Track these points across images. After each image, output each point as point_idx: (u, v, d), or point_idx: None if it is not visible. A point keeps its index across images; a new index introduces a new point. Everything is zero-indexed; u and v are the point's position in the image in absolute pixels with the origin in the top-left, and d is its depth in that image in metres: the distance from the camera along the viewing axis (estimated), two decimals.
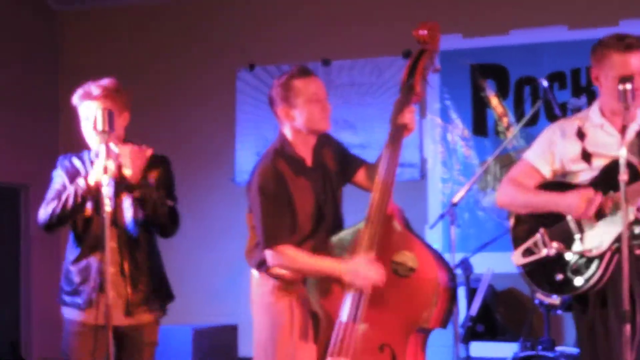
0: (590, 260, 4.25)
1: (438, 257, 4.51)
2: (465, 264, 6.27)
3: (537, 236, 4.40)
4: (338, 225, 4.73)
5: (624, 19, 6.74)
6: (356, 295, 4.42)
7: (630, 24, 6.68)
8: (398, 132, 4.52)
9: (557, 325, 6.85)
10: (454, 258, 6.11)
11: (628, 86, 3.98)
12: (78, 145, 5.23)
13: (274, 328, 4.65)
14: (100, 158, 4.54)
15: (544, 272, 4.42)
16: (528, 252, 4.42)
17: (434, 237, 6.84)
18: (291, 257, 4.54)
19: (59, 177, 4.89)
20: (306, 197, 4.64)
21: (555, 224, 4.35)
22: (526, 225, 4.51)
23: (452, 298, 4.54)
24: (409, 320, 4.41)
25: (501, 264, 6.29)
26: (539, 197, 4.44)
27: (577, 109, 6.62)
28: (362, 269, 4.39)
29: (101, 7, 8.04)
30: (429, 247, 4.54)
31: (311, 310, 4.62)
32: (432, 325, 4.41)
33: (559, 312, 6.30)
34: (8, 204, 7.42)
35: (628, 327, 3.82)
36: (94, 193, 4.64)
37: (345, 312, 4.42)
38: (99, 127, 4.41)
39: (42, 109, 7.79)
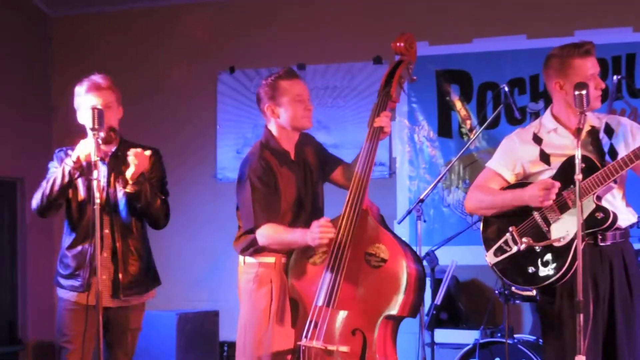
0: (559, 252, 4.30)
1: (409, 250, 4.55)
2: (430, 257, 6.31)
3: (507, 235, 4.40)
4: (316, 217, 4.69)
5: (578, 29, 6.78)
6: (330, 276, 4.49)
7: (584, 34, 6.50)
8: (375, 134, 4.62)
9: (515, 314, 6.84)
10: (420, 251, 6.11)
11: (583, 92, 4.00)
12: (70, 140, 5.18)
13: (253, 312, 4.68)
14: (88, 139, 4.56)
15: (516, 267, 4.44)
16: (500, 250, 4.43)
17: (402, 231, 6.80)
18: (274, 231, 4.58)
19: (54, 167, 4.93)
20: (289, 186, 4.69)
21: (523, 222, 4.39)
22: (495, 226, 4.54)
23: (421, 288, 4.57)
24: (379, 307, 4.43)
25: (464, 257, 6.62)
26: (503, 196, 4.48)
27: (536, 113, 6.75)
28: (311, 229, 4.42)
29: (90, 13, 8.01)
30: (400, 240, 4.57)
31: (291, 297, 4.66)
32: (401, 313, 4.44)
33: (517, 301, 6.28)
34: (5, 196, 7.39)
35: (581, 317, 3.83)
36: (80, 169, 4.68)
37: (320, 297, 4.48)
38: (91, 124, 4.43)
39: (36, 107, 7.75)
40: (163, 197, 5.08)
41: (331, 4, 7.53)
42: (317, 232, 4.41)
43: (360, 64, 7.31)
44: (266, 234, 4.61)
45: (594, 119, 4.47)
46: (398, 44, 4.71)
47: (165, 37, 7.93)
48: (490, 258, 4.52)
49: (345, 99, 7.29)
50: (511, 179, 4.57)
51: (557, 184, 4.25)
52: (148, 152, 4.80)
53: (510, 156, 4.58)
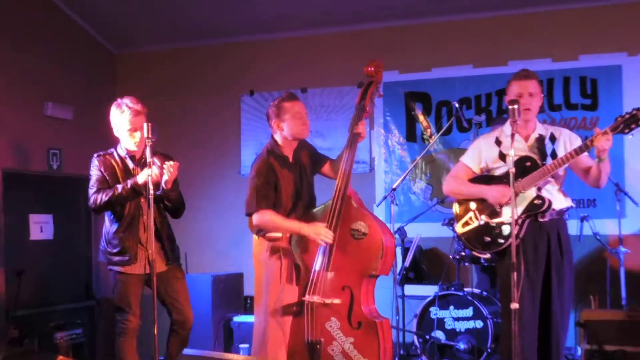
0: (507, 227, 4.38)
1: (383, 226, 4.60)
2: (401, 231, 6.34)
3: (471, 213, 4.54)
4: (311, 204, 4.81)
5: (511, 60, 6.75)
6: (324, 249, 4.52)
7: (515, 64, 6.56)
8: (354, 138, 4.64)
9: (464, 273, 6.79)
10: (393, 227, 6.06)
11: (514, 106, 4.05)
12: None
13: (268, 275, 4.72)
14: (147, 166, 4.47)
15: (477, 237, 4.54)
16: (466, 224, 4.56)
17: (380, 212, 6.80)
18: (269, 217, 4.60)
19: (95, 170, 4.89)
20: (288, 183, 4.71)
21: (483, 204, 4.50)
22: (463, 206, 4.62)
23: (393, 254, 4.65)
24: (362, 269, 4.49)
25: (426, 231, 6.65)
26: (472, 189, 4.55)
27: (478, 123, 6.74)
28: (318, 230, 4.49)
29: (144, 51, 7.98)
30: (377, 219, 4.63)
31: (295, 263, 4.69)
32: (379, 272, 4.52)
33: (466, 263, 6.31)
34: (83, 189, 7.29)
35: (515, 275, 3.86)
36: (141, 189, 4.64)
37: (318, 263, 4.53)
38: (148, 134, 4.43)
39: (105, 124, 7.68)
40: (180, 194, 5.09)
41: (326, 43, 7.46)
42: (321, 237, 4.48)
43: (347, 88, 7.29)
44: (262, 217, 4.64)
45: (541, 129, 4.56)
46: (369, 68, 4.75)
47: (202, 68, 7.87)
48: (458, 229, 4.63)
49: (337, 114, 7.27)
50: (477, 171, 4.64)
51: (509, 191, 4.22)
52: (177, 165, 4.75)
53: (477, 154, 4.65)
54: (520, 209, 4.36)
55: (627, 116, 4.18)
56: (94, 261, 7.36)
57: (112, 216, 4.89)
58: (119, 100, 4.91)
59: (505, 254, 4.44)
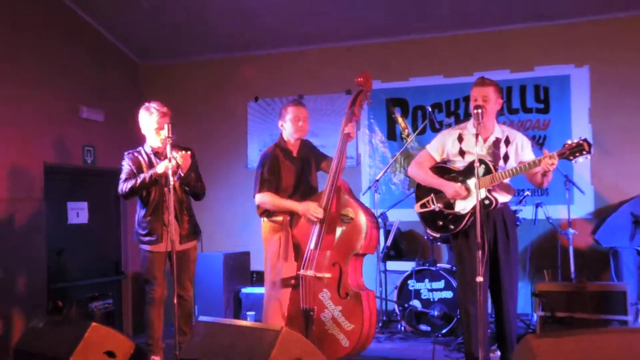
0: (457, 216, 4.43)
1: (368, 211, 4.65)
2: (383, 216, 6.37)
3: (429, 197, 4.54)
4: (310, 192, 4.83)
5: (476, 71, 6.59)
6: (317, 230, 4.55)
7: (480, 74, 6.15)
8: (344, 138, 4.70)
9: (437, 251, 6.80)
10: (376, 212, 6.16)
11: (478, 110, 4.10)
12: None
13: (270, 253, 4.80)
14: (166, 156, 4.51)
15: (432, 219, 4.57)
16: (423, 206, 4.56)
17: (365, 199, 6.75)
18: (268, 198, 4.69)
19: (126, 164, 4.97)
20: (289, 172, 4.79)
21: (440, 193, 4.50)
22: (423, 190, 4.61)
23: (376, 235, 4.70)
24: (349, 248, 4.54)
25: (404, 216, 6.66)
26: (431, 180, 4.53)
27: (448, 124, 6.74)
28: (309, 207, 4.57)
29: (165, 63, 7.93)
30: (362, 205, 4.67)
31: (293, 242, 4.73)
32: (364, 251, 4.58)
33: (439, 243, 6.34)
34: (114, 180, 7.25)
35: (479, 253, 3.91)
36: (159, 177, 4.73)
37: (312, 242, 4.58)
38: (168, 134, 4.47)
39: (132, 125, 7.56)
40: (201, 180, 5.09)
41: (319, 57, 7.43)
42: (311, 212, 4.55)
43: (337, 95, 7.27)
44: (263, 198, 4.73)
45: (499, 132, 4.54)
46: (359, 79, 4.83)
47: (215, 78, 7.83)
48: (417, 208, 4.63)
49: (328, 117, 7.23)
50: (439, 160, 4.62)
51: (464, 190, 4.35)
52: (189, 152, 4.77)
53: (440, 145, 4.63)
54: (470, 205, 4.37)
55: (574, 144, 4.14)
56: (123, 241, 7.40)
57: (140, 203, 4.96)
58: (147, 104, 4.98)
59: (457, 236, 4.49)
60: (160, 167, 4.71)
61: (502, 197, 4.45)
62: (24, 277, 6.12)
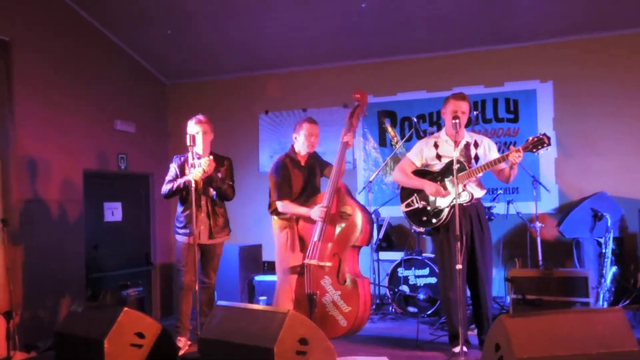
0: (438, 211, 4.41)
1: (363, 209, 4.64)
2: (376, 212, 6.35)
3: (413, 197, 4.55)
4: (314, 194, 4.80)
5: (455, 86, 6.65)
6: (320, 225, 4.53)
7: (458, 89, 6.23)
8: (344, 146, 4.67)
9: (422, 242, 6.79)
10: (370, 209, 6.10)
11: (456, 120, 4.14)
12: (178, 151, 5.31)
13: (279, 245, 4.79)
14: (196, 165, 4.54)
15: (416, 216, 4.55)
16: (408, 205, 4.57)
17: (360, 198, 6.79)
18: (289, 206, 4.67)
19: (172, 167, 4.95)
20: (298, 179, 4.78)
21: (421, 192, 4.50)
22: (407, 191, 4.61)
23: (370, 230, 4.67)
24: (348, 241, 4.53)
25: (394, 212, 6.58)
26: (413, 181, 4.54)
27: (432, 133, 6.74)
28: (314, 212, 4.55)
29: (188, 82, 7.91)
30: (359, 203, 4.66)
31: (299, 236, 4.73)
32: (360, 243, 4.55)
33: (424, 235, 6.35)
34: (143, 183, 7.33)
35: (458, 244, 3.95)
36: (190, 182, 4.63)
37: (315, 235, 4.56)
38: (189, 143, 4.49)
39: (160, 133, 7.65)
40: (231, 184, 5.04)
41: (320, 75, 7.41)
42: (317, 215, 4.55)
43: (336, 108, 7.25)
44: (283, 206, 4.71)
45: (468, 137, 4.58)
46: (356, 95, 4.81)
47: (231, 94, 7.82)
48: (402, 208, 4.64)
49: (329, 127, 7.18)
50: (419, 165, 4.61)
51: (443, 192, 4.36)
52: (211, 158, 4.71)
53: (419, 153, 4.64)
54: (448, 201, 4.37)
55: (535, 139, 4.14)
56: (152, 236, 7.38)
57: (180, 201, 4.95)
58: (194, 117, 4.97)
59: (439, 230, 4.48)
60: (190, 175, 4.67)
61: (477, 193, 4.46)
62: (66, 268, 6.10)
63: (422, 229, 4.72)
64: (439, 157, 4.52)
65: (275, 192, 4.74)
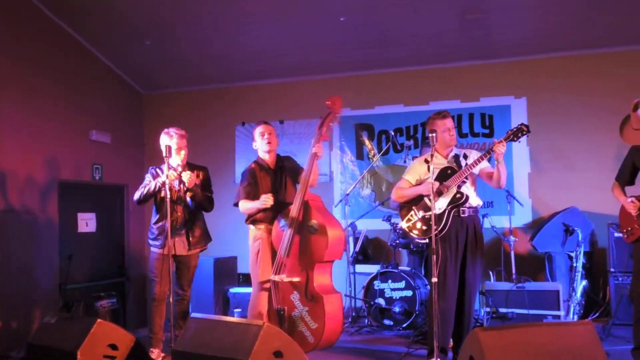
0: (437, 216, 4.36)
1: (333, 222, 4.52)
2: (352, 225, 6.36)
3: (411, 211, 4.55)
4: (285, 199, 4.72)
5: (432, 101, 6.77)
6: (287, 238, 4.45)
7: (434, 104, 6.75)
8: (312, 157, 4.56)
9: (398, 256, 6.79)
10: (347, 222, 6.19)
11: (434, 134, 4.09)
12: (153, 162, 5.26)
13: (252, 256, 4.73)
14: (166, 169, 4.55)
15: (417, 228, 4.54)
16: (409, 220, 4.55)
17: (337, 211, 6.83)
18: (242, 204, 4.65)
19: (147, 177, 4.92)
20: (266, 183, 4.71)
21: (419, 202, 4.52)
22: (405, 209, 4.61)
23: (340, 244, 4.51)
24: (314, 256, 4.42)
25: (371, 225, 6.67)
26: (409, 191, 4.59)
27: (408, 146, 6.82)
28: (261, 199, 4.58)
29: (165, 92, 7.89)
30: (328, 218, 4.53)
31: (271, 248, 4.67)
32: (328, 258, 4.44)
33: (399, 249, 6.32)
34: (119, 194, 7.29)
35: (434, 257, 3.91)
36: (162, 186, 4.68)
37: (282, 250, 4.50)
38: (165, 154, 4.49)
39: (135, 144, 7.60)
40: (209, 195, 5.01)
41: (298, 87, 7.42)
42: (261, 202, 4.55)
43: (314, 120, 7.12)
44: (241, 205, 4.70)
45: (457, 151, 4.64)
46: (328, 102, 4.69)
47: (208, 106, 7.81)
48: (403, 225, 4.62)
49: (306, 139, 7.20)
50: (414, 183, 4.66)
51: (436, 185, 4.34)
52: (193, 173, 4.76)
53: (414, 172, 4.70)
54: (446, 202, 4.40)
55: (515, 129, 4.31)
56: (126, 248, 7.34)
57: (154, 210, 4.91)
58: (166, 130, 4.90)
59: (437, 241, 4.40)
60: (161, 178, 4.69)
61: (472, 200, 4.51)
62: (39, 279, 6.01)
63: (425, 240, 4.69)
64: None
65: (238, 194, 4.74)
